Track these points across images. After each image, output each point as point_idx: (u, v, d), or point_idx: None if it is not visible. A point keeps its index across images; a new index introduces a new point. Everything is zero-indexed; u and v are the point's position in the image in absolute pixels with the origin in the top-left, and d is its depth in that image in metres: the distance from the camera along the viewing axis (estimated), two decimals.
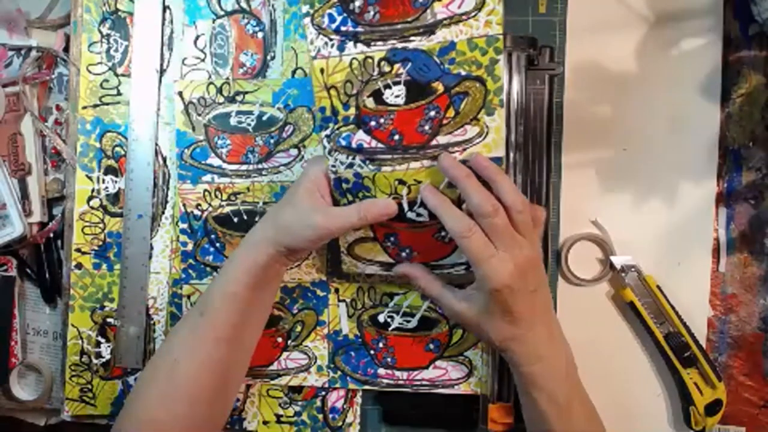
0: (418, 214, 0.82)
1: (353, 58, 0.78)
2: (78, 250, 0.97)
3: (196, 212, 0.95)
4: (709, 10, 0.92)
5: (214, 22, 0.95)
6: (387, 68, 0.78)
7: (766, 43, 0.92)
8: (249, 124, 0.94)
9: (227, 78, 0.94)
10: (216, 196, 0.94)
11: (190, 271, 0.95)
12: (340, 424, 0.96)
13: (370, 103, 0.79)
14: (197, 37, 0.95)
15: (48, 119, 0.99)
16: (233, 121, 0.94)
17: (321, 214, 0.78)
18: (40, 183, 0.98)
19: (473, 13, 0.75)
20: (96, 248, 0.97)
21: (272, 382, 0.95)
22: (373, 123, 0.80)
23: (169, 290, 0.96)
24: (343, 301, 0.95)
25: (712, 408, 0.91)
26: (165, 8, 0.95)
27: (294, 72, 0.94)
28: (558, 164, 0.95)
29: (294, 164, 0.93)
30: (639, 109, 0.94)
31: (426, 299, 0.93)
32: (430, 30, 0.76)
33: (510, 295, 0.75)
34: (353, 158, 0.81)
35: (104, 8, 0.96)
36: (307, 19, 0.78)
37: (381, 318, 0.94)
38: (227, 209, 0.94)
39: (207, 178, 0.94)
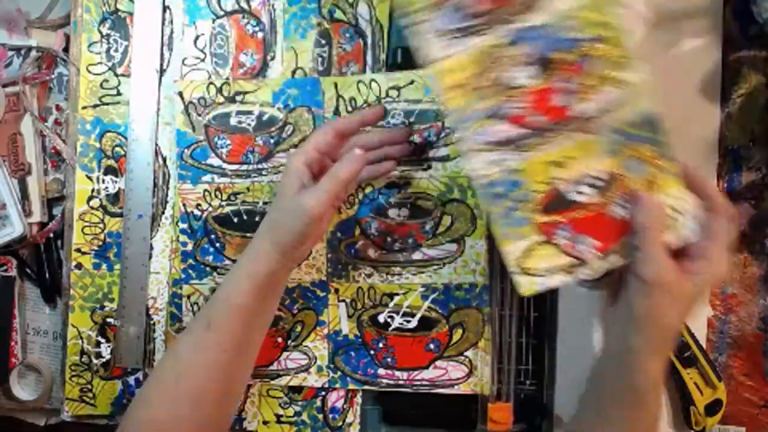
0: (580, 193, 0.75)
1: (475, 51, 0.73)
2: (78, 250, 0.97)
3: (196, 212, 0.95)
4: (709, 10, 0.92)
5: (213, 22, 0.95)
6: (511, 52, 0.73)
7: (766, 43, 0.92)
8: (249, 124, 0.94)
9: (227, 78, 0.95)
10: (216, 196, 0.95)
11: (190, 271, 0.96)
12: (340, 424, 0.96)
13: (501, 89, 0.73)
14: (197, 37, 0.95)
15: (48, 119, 0.99)
16: (233, 121, 0.94)
17: (305, 195, 0.78)
18: (40, 183, 0.98)
19: None
20: (96, 248, 0.97)
21: (272, 382, 0.96)
22: (508, 109, 0.74)
23: (169, 290, 0.96)
24: (343, 301, 0.95)
25: (712, 408, 0.90)
26: (165, 8, 0.96)
27: (294, 72, 0.94)
28: None
29: None
30: None
31: (426, 299, 0.93)
32: (542, 7, 0.71)
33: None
34: (497, 154, 0.74)
35: (104, 8, 0.96)
36: (417, 26, 0.73)
37: (381, 318, 0.94)
38: (227, 209, 0.95)
39: (207, 178, 0.95)
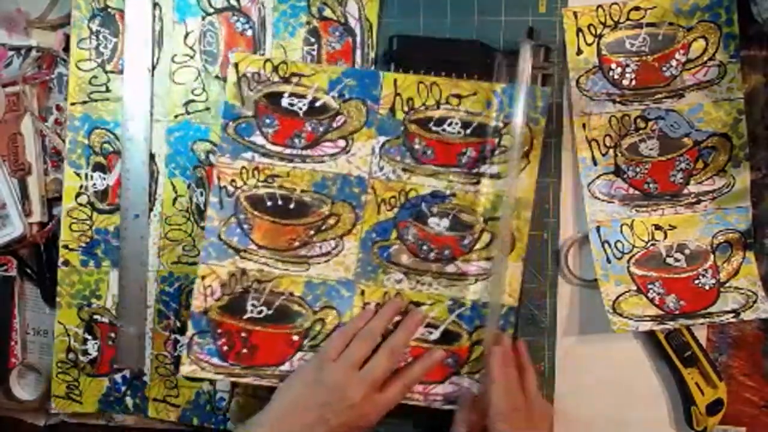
0: (676, 260, 0.92)
1: (612, 116, 0.92)
2: (65, 246, 0.97)
3: (230, 188, 0.92)
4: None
5: (203, 20, 0.95)
6: (642, 125, 0.92)
7: (766, 43, 0.92)
8: (300, 108, 0.92)
9: (284, 59, 0.93)
10: (253, 176, 0.92)
11: (211, 249, 0.93)
12: None
13: (627, 154, 0.92)
14: (187, 35, 0.95)
15: (48, 119, 1.00)
16: (285, 102, 0.92)
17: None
18: (40, 183, 0.99)
19: (716, 81, 0.91)
20: (84, 245, 0.97)
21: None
22: (630, 172, 0.93)
23: (157, 287, 0.96)
24: (368, 303, 0.92)
25: (713, 408, 0.91)
26: (155, 5, 0.95)
27: None
28: (558, 164, 0.94)
29: (339, 156, 0.92)
30: None
31: (453, 312, 0.91)
32: (680, 94, 0.92)
33: None
34: (612, 205, 0.93)
35: (94, 5, 0.96)
36: (573, 82, 0.93)
37: None
38: (263, 191, 0.92)
39: (247, 155, 0.92)
